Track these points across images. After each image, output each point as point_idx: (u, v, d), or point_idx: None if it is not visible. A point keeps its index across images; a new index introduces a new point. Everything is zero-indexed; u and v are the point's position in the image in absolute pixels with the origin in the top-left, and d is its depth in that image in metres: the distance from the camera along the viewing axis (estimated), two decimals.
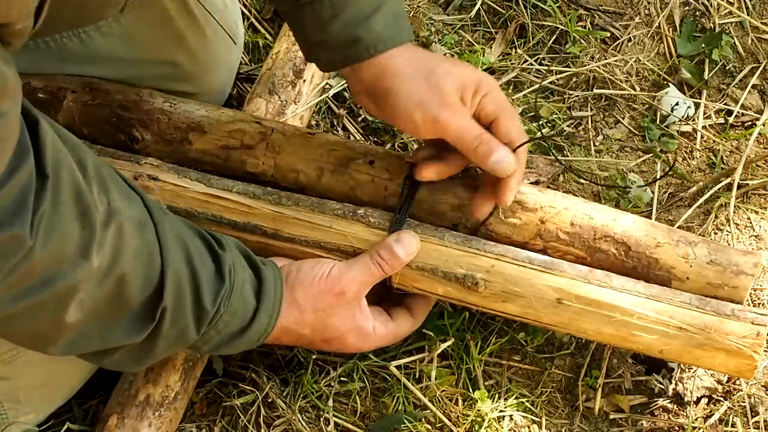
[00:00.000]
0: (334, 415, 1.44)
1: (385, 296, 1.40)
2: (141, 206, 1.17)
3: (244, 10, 1.73)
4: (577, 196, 1.62)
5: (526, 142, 1.35)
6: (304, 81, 1.65)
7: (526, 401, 1.46)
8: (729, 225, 1.60)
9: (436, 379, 1.46)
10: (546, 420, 1.45)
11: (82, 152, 1.10)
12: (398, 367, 1.47)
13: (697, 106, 1.73)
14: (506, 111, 1.35)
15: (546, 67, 1.77)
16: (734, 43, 1.78)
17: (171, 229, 1.19)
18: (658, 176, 1.65)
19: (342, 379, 1.48)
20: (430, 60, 1.34)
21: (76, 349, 1.17)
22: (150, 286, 1.16)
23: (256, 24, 1.80)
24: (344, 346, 1.37)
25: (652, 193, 1.64)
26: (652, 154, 1.68)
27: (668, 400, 1.46)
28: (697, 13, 1.81)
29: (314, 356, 1.48)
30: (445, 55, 1.76)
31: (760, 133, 1.69)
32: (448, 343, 1.47)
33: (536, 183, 1.63)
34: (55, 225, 1.03)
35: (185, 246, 1.20)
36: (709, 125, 1.72)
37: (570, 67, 1.77)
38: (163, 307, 1.16)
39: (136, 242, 1.13)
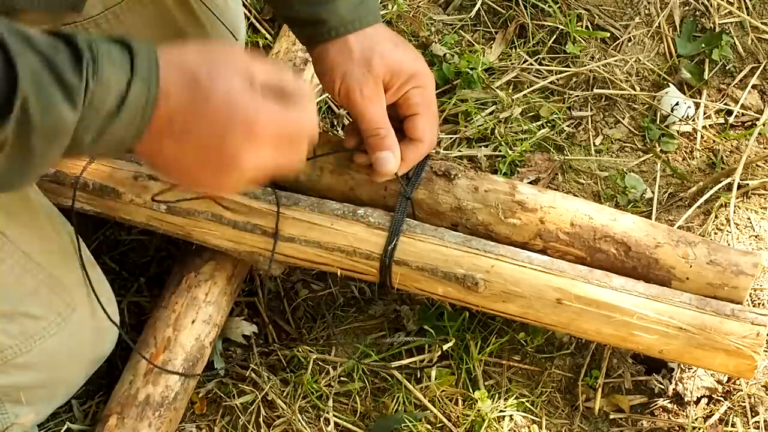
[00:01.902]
0: (334, 415, 1.44)
1: None
2: None
3: (244, 10, 1.73)
4: (577, 196, 1.62)
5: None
6: (304, 81, 1.65)
7: (526, 401, 1.46)
8: (729, 225, 1.60)
9: (436, 380, 1.46)
10: (546, 420, 1.45)
11: None
12: (398, 368, 1.47)
13: (697, 106, 1.73)
14: (429, 110, 1.38)
15: (546, 67, 1.77)
16: (734, 43, 1.78)
17: (4, 26, 1.02)
18: (658, 176, 1.65)
19: (342, 379, 1.48)
20: (378, 40, 1.36)
21: None
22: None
23: (256, 24, 1.80)
24: (232, 94, 1.07)
25: (652, 193, 1.64)
26: (652, 154, 1.69)
27: (668, 400, 1.46)
28: (697, 13, 1.81)
29: (314, 356, 1.48)
30: (444, 55, 1.76)
31: (760, 133, 1.69)
32: (449, 344, 1.47)
33: (536, 181, 1.63)
34: None
35: (24, 35, 1.02)
36: (709, 125, 1.72)
37: (570, 67, 1.77)
38: (22, 96, 1.00)
39: None
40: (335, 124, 1.72)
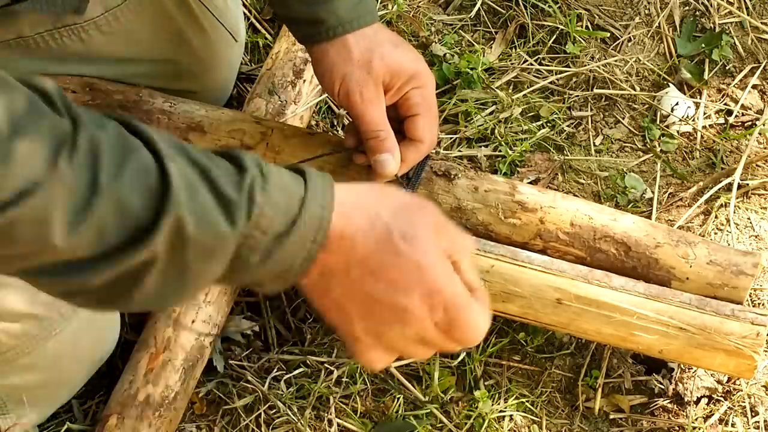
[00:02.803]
0: (335, 416, 1.45)
1: None
2: (113, 122, 0.96)
3: (245, 10, 1.73)
4: (577, 195, 1.62)
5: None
6: (304, 81, 1.65)
7: (526, 401, 1.46)
8: (729, 225, 1.60)
9: (437, 379, 1.46)
10: (546, 420, 1.45)
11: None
12: (398, 367, 1.47)
13: (697, 106, 1.73)
14: (430, 111, 1.38)
15: (546, 67, 1.77)
16: (734, 43, 1.78)
17: (161, 136, 0.97)
18: (658, 176, 1.65)
19: (343, 379, 1.48)
20: (378, 41, 1.36)
21: (85, 281, 0.96)
22: (151, 192, 0.93)
23: (256, 24, 1.80)
24: (424, 264, 0.99)
25: (652, 193, 1.64)
26: (652, 154, 1.69)
27: (668, 400, 1.46)
28: (697, 13, 1.81)
29: (315, 357, 1.48)
30: (444, 55, 1.76)
31: (760, 133, 1.69)
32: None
33: (536, 181, 1.63)
34: (14, 140, 0.87)
35: (182, 148, 0.97)
36: (709, 125, 1.72)
37: (570, 67, 1.77)
38: (176, 205, 0.93)
39: (119, 155, 0.93)
40: (335, 124, 1.72)
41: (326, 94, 1.69)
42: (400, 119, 1.38)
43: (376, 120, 1.35)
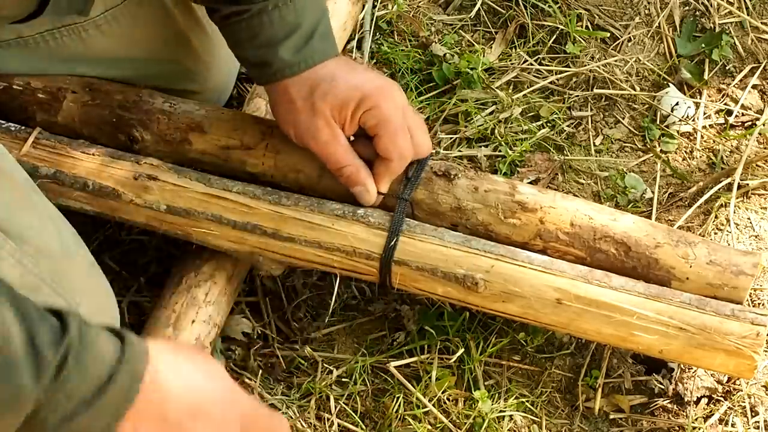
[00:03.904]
0: (335, 416, 1.45)
1: None
2: None
3: None
4: (577, 195, 1.62)
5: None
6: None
7: (526, 401, 1.46)
8: (729, 225, 1.60)
9: (436, 380, 1.46)
10: (546, 420, 1.45)
11: None
12: (398, 367, 1.47)
13: (697, 106, 1.73)
14: (388, 127, 1.37)
15: (546, 67, 1.77)
16: (734, 43, 1.78)
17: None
18: (658, 176, 1.65)
19: (343, 379, 1.48)
20: (320, 79, 1.37)
21: None
22: None
23: None
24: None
25: (652, 193, 1.64)
26: (652, 154, 1.69)
27: (668, 400, 1.46)
28: (697, 13, 1.81)
29: (315, 356, 1.48)
30: (444, 55, 1.76)
31: (760, 133, 1.69)
32: (451, 345, 1.47)
33: (536, 181, 1.63)
34: None
35: (13, 296, 0.95)
36: (709, 125, 1.72)
37: (570, 67, 1.77)
38: None
39: None
40: None
41: None
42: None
43: (337, 158, 1.37)
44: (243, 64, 1.50)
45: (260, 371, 1.48)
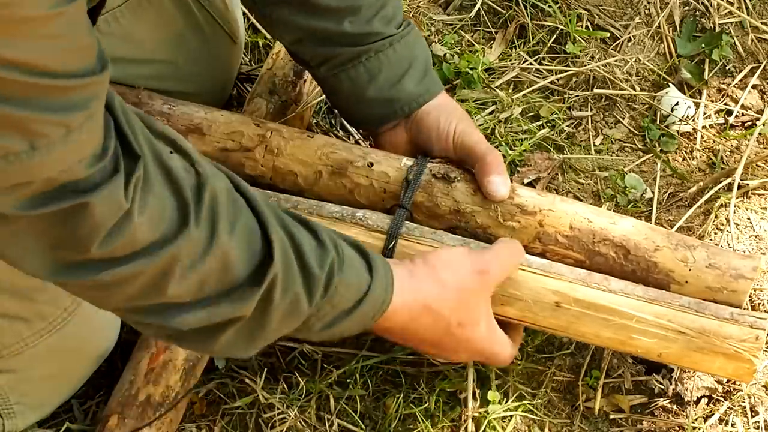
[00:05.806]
0: (335, 416, 1.45)
1: None
2: (224, 177, 1.10)
3: (245, 9, 1.73)
4: (577, 195, 1.62)
5: None
6: (305, 81, 1.65)
7: (527, 401, 1.46)
8: (729, 225, 1.60)
9: (437, 380, 1.46)
10: (546, 420, 1.45)
11: (152, 122, 1.07)
12: (398, 368, 1.47)
13: (697, 106, 1.73)
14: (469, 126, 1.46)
15: (546, 67, 1.77)
16: (734, 43, 1.78)
17: (261, 198, 1.12)
18: (658, 176, 1.65)
19: (343, 379, 1.48)
20: (455, 113, 1.44)
21: (181, 323, 1.08)
22: (254, 256, 1.08)
23: (257, 24, 1.80)
24: (473, 338, 1.29)
25: (652, 193, 1.64)
26: (652, 154, 1.69)
27: (668, 400, 1.46)
28: (697, 13, 1.81)
29: (315, 357, 1.48)
30: (444, 55, 1.76)
31: (760, 133, 1.69)
32: None
33: (536, 180, 1.63)
34: (149, 191, 0.99)
35: (278, 214, 1.12)
36: (709, 125, 1.72)
37: (570, 67, 1.77)
38: (273, 274, 1.08)
39: (231, 212, 1.07)
40: (334, 124, 1.72)
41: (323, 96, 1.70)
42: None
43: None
44: (357, 108, 1.47)
45: (260, 371, 1.48)
